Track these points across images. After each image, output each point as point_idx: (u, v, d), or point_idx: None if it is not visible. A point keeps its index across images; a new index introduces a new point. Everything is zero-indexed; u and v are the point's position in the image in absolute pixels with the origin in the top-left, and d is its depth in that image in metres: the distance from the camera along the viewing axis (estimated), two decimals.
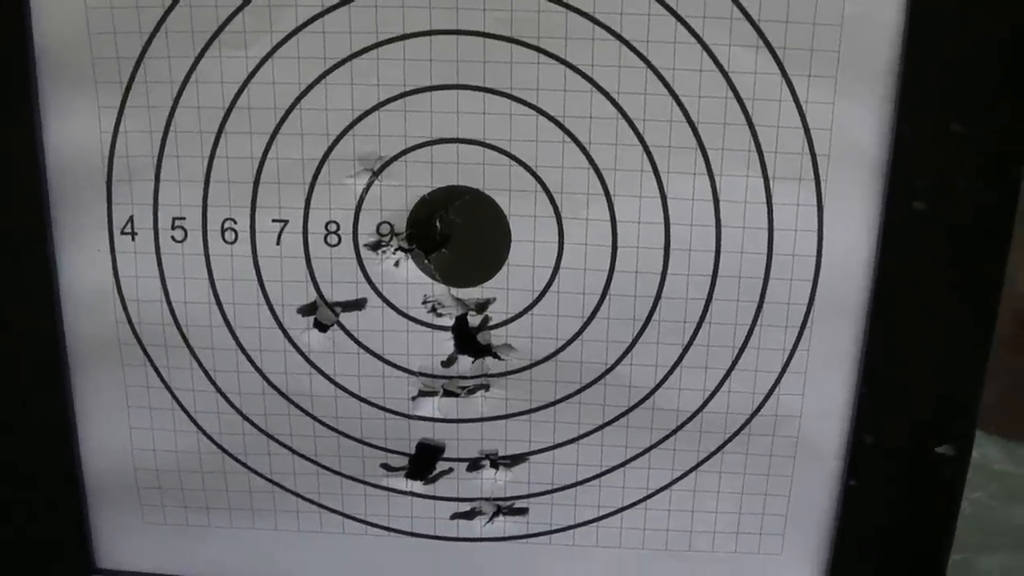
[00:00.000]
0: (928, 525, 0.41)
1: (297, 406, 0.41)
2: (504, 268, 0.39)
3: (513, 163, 0.38)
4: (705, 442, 0.41)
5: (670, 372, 0.40)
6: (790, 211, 0.37)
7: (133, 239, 0.39)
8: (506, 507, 0.42)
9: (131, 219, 0.39)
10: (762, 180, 0.37)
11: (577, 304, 0.39)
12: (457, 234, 0.39)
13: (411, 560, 0.43)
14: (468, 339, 0.40)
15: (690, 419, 0.40)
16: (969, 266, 0.37)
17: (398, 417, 0.41)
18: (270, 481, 0.42)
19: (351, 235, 0.39)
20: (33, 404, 0.41)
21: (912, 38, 0.35)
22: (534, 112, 0.37)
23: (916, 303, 0.38)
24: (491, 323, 0.40)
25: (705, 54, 0.36)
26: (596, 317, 0.39)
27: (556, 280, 0.39)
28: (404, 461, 0.42)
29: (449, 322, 0.40)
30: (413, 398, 0.41)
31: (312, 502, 0.42)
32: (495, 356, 0.40)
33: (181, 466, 0.42)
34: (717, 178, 0.37)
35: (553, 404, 0.40)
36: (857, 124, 0.36)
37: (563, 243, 0.38)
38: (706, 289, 0.39)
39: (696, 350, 0.39)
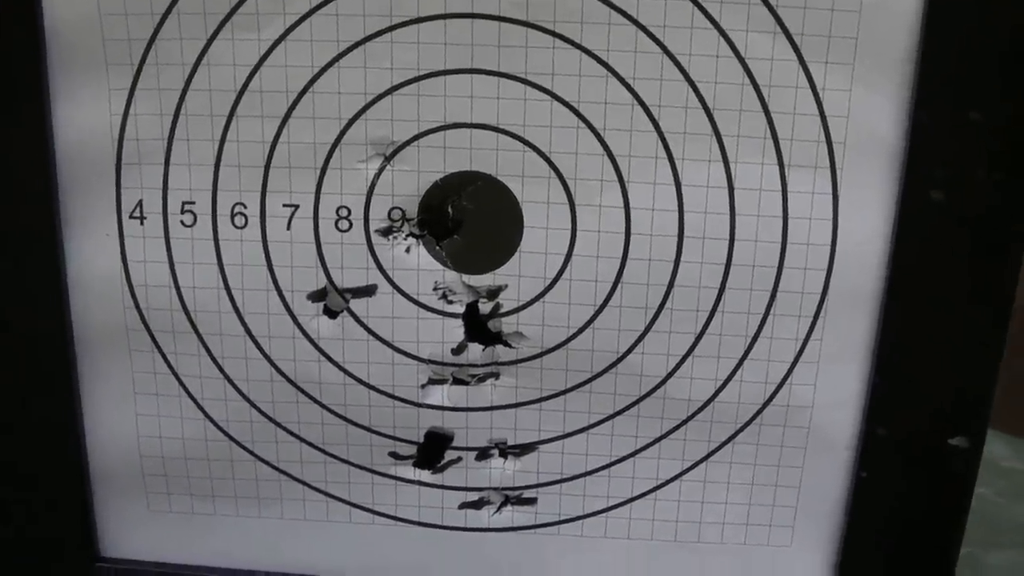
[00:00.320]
0: (939, 518, 0.40)
1: (305, 393, 0.41)
2: (516, 255, 0.39)
3: (527, 149, 0.37)
4: (716, 432, 0.40)
5: (682, 361, 0.39)
6: (805, 199, 0.37)
7: (142, 223, 0.39)
8: (514, 497, 0.42)
9: (140, 203, 0.39)
10: (777, 168, 0.37)
11: (589, 292, 0.39)
12: (469, 220, 0.38)
13: (418, 550, 0.42)
14: (479, 327, 0.40)
15: (701, 409, 0.40)
16: (986, 257, 0.37)
17: (407, 405, 0.41)
18: (277, 469, 0.42)
19: (362, 221, 0.39)
20: (40, 391, 0.41)
21: (930, 26, 0.35)
22: (548, 97, 0.37)
23: (931, 294, 0.37)
24: (502, 311, 0.39)
25: (722, 40, 0.36)
26: (608, 305, 0.39)
27: (568, 268, 0.39)
28: (412, 450, 0.41)
29: (460, 309, 0.39)
30: (422, 386, 0.40)
31: (319, 491, 0.42)
32: (506, 344, 0.40)
33: (187, 454, 0.42)
34: (732, 165, 0.37)
35: (563, 393, 0.40)
36: (874, 112, 0.36)
37: (576, 230, 0.38)
38: (719, 278, 0.38)
39: (708, 339, 0.39)
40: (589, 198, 0.38)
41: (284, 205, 0.39)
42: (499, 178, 0.38)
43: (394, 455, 0.41)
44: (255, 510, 0.42)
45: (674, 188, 0.37)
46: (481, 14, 0.36)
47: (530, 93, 0.37)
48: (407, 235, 0.39)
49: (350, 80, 0.37)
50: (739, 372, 0.39)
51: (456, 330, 0.40)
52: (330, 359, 0.40)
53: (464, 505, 0.42)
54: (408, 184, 0.38)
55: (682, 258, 0.38)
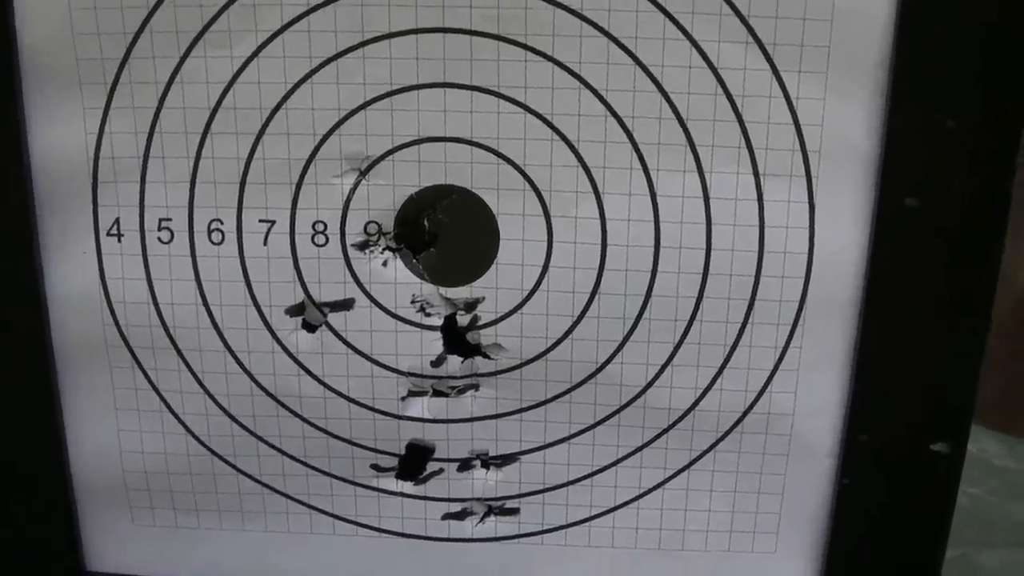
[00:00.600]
0: (923, 523, 0.40)
1: (286, 407, 0.41)
2: (493, 267, 0.39)
3: (501, 162, 0.37)
4: (697, 440, 0.40)
5: (661, 370, 0.39)
6: (781, 208, 0.37)
7: (119, 241, 0.39)
8: (497, 507, 0.42)
9: (117, 221, 0.39)
10: (753, 177, 0.37)
11: (567, 303, 0.39)
12: (445, 233, 0.38)
13: (402, 561, 0.43)
14: (457, 339, 0.40)
15: (682, 418, 0.40)
16: (962, 263, 0.37)
17: (387, 418, 0.41)
18: (259, 483, 0.42)
19: (338, 235, 0.39)
20: (21, 407, 0.41)
21: (903, 33, 0.35)
22: (522, 110, 0.37)
23: (909, 300, 0.37)
24: (480, 322, 0.39)
25: (694, 50, 0.36)
26: (586, 316, 0.39)
27: (545, 279, 0.39)
28: (394, 462, 0.41)
29: (438, 322, 0.39)
30: (402, 398, 0.40)
31: (302, 503, 0.42)
32: (485, 355, 0.40)
33: (170, 468, 0.42)
34: (707, 175, 0.37)
35: (544, 403, 0.40)
36: (848, 120, 0.36)
37: (552, 242, 0.38)
38: (697, 287, 0.38)
39: (687, 348, 0.39)
40: (564, 210, 0.38)
41: (260, 221, 0.39)
42: (474, 191, 0.38)
43: (376, 467, 0.41)
44: (239, 523, 0.42)
45: (649, 199, 0.37)
46: (453, 28, 0.36)
47: (503, 106, 0.37)
48: (384, 249, 0.39)
49: (323, 96, 0.37)
50: (719, 381, 0.39)
51: (435, 342, 0.40)
52: (310, 373, 0.40)
53: (447, 516, 0.42)
54: (384, 198, 0.38)
55: (659, 268, 0.38)
